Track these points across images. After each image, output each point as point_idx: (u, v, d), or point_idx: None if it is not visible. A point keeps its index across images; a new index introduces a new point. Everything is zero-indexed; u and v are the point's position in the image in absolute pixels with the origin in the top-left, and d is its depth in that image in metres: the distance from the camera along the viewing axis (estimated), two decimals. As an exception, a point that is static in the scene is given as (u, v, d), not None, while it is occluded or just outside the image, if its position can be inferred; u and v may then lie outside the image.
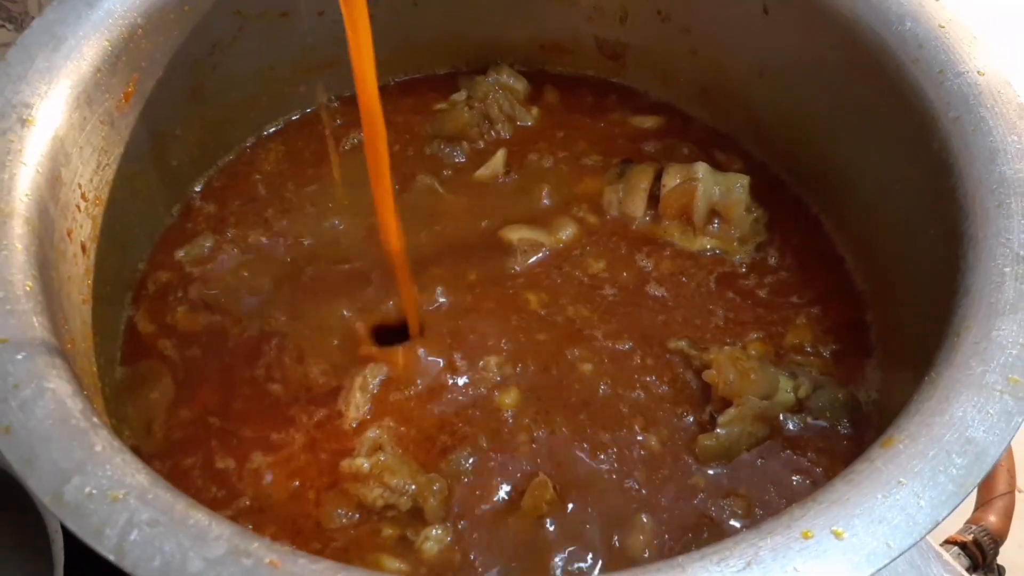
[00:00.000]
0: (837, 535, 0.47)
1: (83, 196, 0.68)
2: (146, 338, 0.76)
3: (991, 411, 0.52)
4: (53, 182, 0.63)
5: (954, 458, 0.50)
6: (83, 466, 0.48)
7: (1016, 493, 0.97)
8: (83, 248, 0.68)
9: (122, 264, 0.77)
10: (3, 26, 1.00)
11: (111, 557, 0.45)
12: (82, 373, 0.61)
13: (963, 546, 0.88)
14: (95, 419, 0.51)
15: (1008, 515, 0.94)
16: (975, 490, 0.95)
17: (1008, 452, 0.99)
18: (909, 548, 0.46)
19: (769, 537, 0.47)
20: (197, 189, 0.85)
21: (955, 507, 0.48)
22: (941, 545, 0.84)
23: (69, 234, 0.66)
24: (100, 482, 0.47)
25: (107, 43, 0.69)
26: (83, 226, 0.68)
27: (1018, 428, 0.51)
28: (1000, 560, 0.90)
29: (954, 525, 0.91)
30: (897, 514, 0.47)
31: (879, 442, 0.52)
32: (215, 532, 0.46)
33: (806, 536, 0.47)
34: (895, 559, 0.46)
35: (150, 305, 0.77)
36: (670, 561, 0.47)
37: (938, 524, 0.48)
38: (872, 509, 0.48)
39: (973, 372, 0.53)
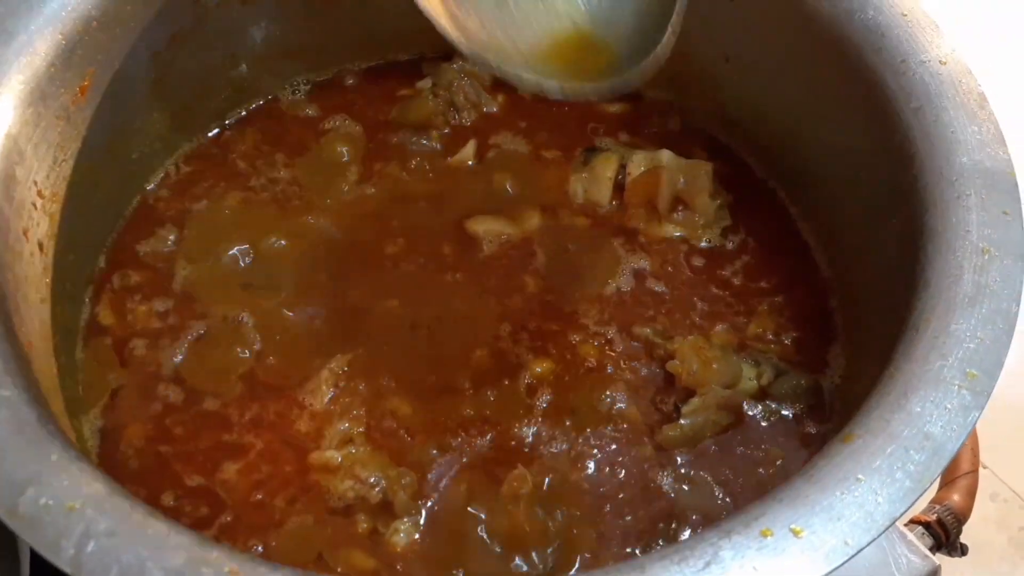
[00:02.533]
0: (796, 533, 0.47)
1: (39, 194, 0.67)
2: (107, 336, 0.75)
3: (949, 406, 0.52)
4: (7, 181, 0.62)
5: (912, 454, 0.50)
6: (38, 476, 0.47)
7: (979, 472, 0.98)
8: (40, 247, 0.67)
9: (82, 261, 0.75)
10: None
11: (68, 570, 0.45)
12: (40, 375, 0.60)
13: (927, 526, 0.89)
14: (51, 427, 0.50)
15: (971, 494, 0.95)
16: (939, 471, 0.96)
17: (972, 432, 1.01)
18: (867, 545, 0.47)
19: (729, 536, 0.47)
20: (158, 182, 0.84)
21: (913, 503, 0.49)
22: (906, 525, 0.85)
23: (25, 233, 0.65)
24: (56, 492, 0.47)
25: (61, 37, 0.68)
26: (40, 224, 0.67)
27: (975, 422, 0.52)
28: (963, 538, 0.91)
29: (918, 505, 0.92)
30: (855, 511, 0.48)
31: (839, 437, 0.52)
32: (174, 541, 0.46)
33: (765, 535, 0.47)
34: (853, 556, 0.47)
35: (111, 302, 0.76)
36: (631, 562, 0.47)
37: (896, 520, 0.48)
38: (831, 507, 0.48)
39: (931, 367, 0.54)
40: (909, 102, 0.67)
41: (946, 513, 0.91)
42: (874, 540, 0.47)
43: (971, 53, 0.69)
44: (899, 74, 0.68)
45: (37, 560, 0.74)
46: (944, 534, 0.89)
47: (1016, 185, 0.61)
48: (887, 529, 0.48)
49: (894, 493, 0.49)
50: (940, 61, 0.68)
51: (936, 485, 0.96)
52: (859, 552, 0.47)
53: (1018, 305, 0.56)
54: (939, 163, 0.63)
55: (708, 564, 0.46)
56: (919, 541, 0.83)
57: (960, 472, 0.98)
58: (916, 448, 0.50)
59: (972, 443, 1.00)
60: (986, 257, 0.58)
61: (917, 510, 0.91)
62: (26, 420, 0.50)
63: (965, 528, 0.92)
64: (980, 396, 0.52)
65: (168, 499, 0.67)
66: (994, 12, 1.95)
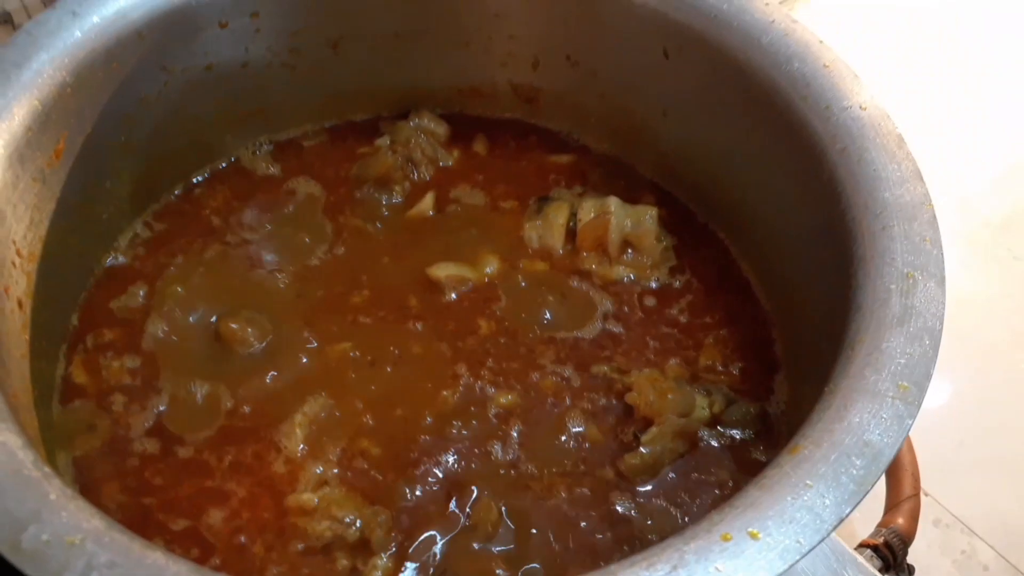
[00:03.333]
0: (753, 536, 0.51)
1: (18, 252, 0.69)
2: (81, 392, 0.76)
3: (885, 416, 0.57)
4: (-11, 242, 0.65)
5: (854, 460, 0.55)
6: (38, 514, 0.49)
7: (921, 496, 1.03)
8: (19, 304, 0.69)
9: (56, 318, 0.77)
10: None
11: (72, 601, 0.47)
12: (24, 426, 0.62)
13: (875, 549, 0.93)
14: (46, 469, 0.52)
15: (915, 516, 1.00)
16: (884, 494, 1.01)
17: (912, 457, 1.06)
18: (818, 544, 0.51)
19: (692, 541, 0.51)
20: (127, 241, 0.86)
21: (857, 504, 0.53)
22: (855, 549, 0.89)
23: (6, 291, 0.67)
24: (56, 529, 0.49)
25: (37, 102, 0.71)
26: (19, 282, 0.69)
27: (909, 429, 0.57)
28: (909, 559, 0.96)
29: (866, 529, 0.97)
30: (805, 514, 0.52)
31: (787, 449, 0.56)
32: (172, 571, 0.48)
33: (725, 539, 0.51)
34: (806, 555, 0.50)
35: (85, 358, 0.78)
36: (603, 570, 0.50)
37: (842, 521, 0.52)
38: (783, 511, 0.52)
39: (867, 381, 0.58)
40: (835, 144, 0.73)
41: (892, 536, 0.95)
42: (824, 539, 0.51)
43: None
44: (824, 119, 0.74)
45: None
46: (892, 556, 0.93)
47: (934, 216, 0.67)
48: (835, 529, 0.52)
49: (840, 496, 0.53)
50: (861, 107, 0.74)
51: (882, 509, 1.01)
52: (811, 550, 0.51)
53: (941, 323, 0.61)
54: (864, 198, 0.69)
55: (675, 568, 0.50)
56: (868, 563, 0.87)
57: (903, 496, 1.03)
58: (857, 454, 0.55)
59: (913, 469, 1.05)
60: (911, 281, 0.63)
61: (864, 534, 0.96)
62: (22, 462, 0.52)
63: (911, 553, 0.96)
64: (912, 406, 0.57)
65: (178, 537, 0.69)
66: (995, 13, 2.03)
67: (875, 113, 0.73)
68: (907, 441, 1.03)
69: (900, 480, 1.04)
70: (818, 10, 2.14)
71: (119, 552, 0.49)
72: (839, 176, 0.71)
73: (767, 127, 0.80)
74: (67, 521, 0.49)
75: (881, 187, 0.69)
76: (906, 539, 0.97)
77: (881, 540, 0.95)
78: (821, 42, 0.78)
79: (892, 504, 1.02)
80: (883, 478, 1.02)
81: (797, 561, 0.50)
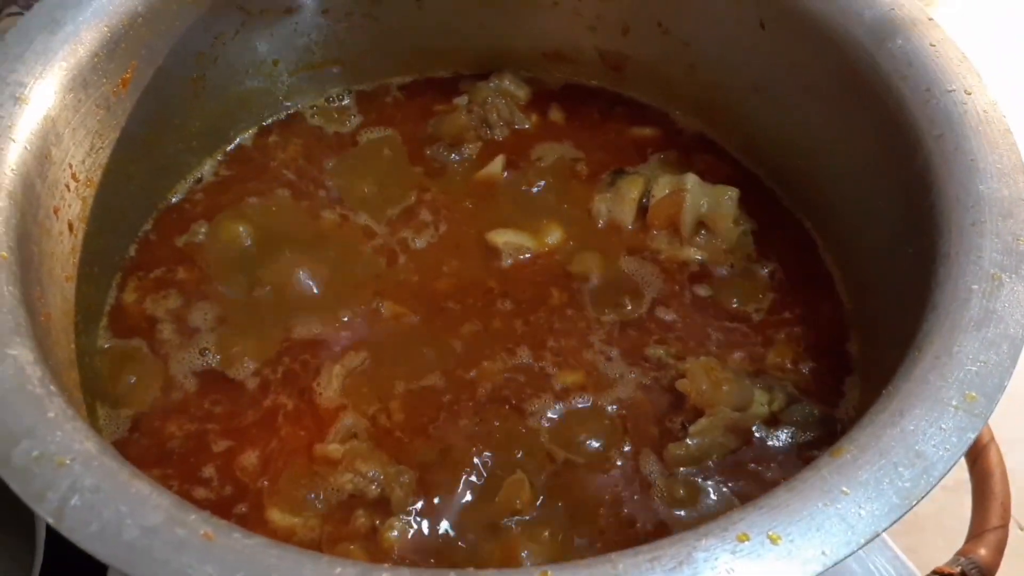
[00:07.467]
0: (773, 540, 0.46)
1: (73, 176, 0.69)
2: (131, 321, 0.77)
3: (944, 426, 0.51)
4: (42, 160, 0.65)
5: (901, 470, 0.49)
6: (33, 430, 0.49)
7: (1012, 528, 0.95)
8: (70, 227, 0.69)
9: (112, 247, 0.78)
10: (20, 13, 1.03)
11: (50, 520, 0.46)
12: (55, 346, 0.62)
13: (949, 578, 0.86)
14: (52, 387, 0.52)
15: (1000, 549, 0.92)
16: (969, 521, 0.94)
17: (1004, 487, 0.97)
18: (846, 558, 0.46)
19: (704, 538, 0.47)
20: (193, 180, 0.86)
21: (897, 519, 0.48)
22: (928, 576, 0.83)
23: (56, 212, 0.67)
24: (48, 447, 0.48)
25: (106, 29, 0.71)
26: (71, 205, 0.69)
27: (970, 444, 0.51)
28: (989, 596, 0.88)
29: (944, 556, 0.89)
30: (836, 523, 0.47)
31: (828, 451, 0.51)
32: (154, 501, 0.47)
33: (742, 539, 0.46)
34: (830, 568, 0.46)
35: (138, 289, 0.78)
36: (602, 557, 0.46)
37: (877, 535, 0.47)
38: (811, 516, 0.47)
39: (930, 386, 0.53)
40: (932, 130, 0.66)
41: (971, 567, 0.87)
42: (853, 553, 0.46)
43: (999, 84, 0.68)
44: (923, 102, 0.68)
45: (50, 552, 0.76)
46: (968, 588, 0.86)
47: (1032, 214, 0.60)
48: (868, 543, 0.47)
49: (879, 508, 0.48)
50: (966, 91, 0.67)
51: (963, 537, 0.93)
52: (836, 564, 0.46)
53: (1025, 331, 0.55)
54: (956, 190, 0.62)
55: (680, 564, 0.46)
56: (939, 593, 0.81)
57: (989, 526, 0.94)
58: (906, 465, 0.49)
59: (1003, 497, 0.96)
60: (996, 283, 0.57)
61: (941, 561, 0.88)
62: (28, 378, 0.52)
63: (997, 591, 0.88)
64: (977, 419, 0.51)
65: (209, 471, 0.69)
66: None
67: (981, 99, 0.67)
68: (1001, 468, 0.95)
69: (987, 508, 0.96)
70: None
71: (105, 477, 0.48)
72: (932, 164, 0.65)
73: (862, 107, 0.74)
74: (60, 440, 0.49)
75: (976, 179, 0.62)
76: (986, 573, 0.89)
77: (958, 570, 0.87)
78: (930, 19, 0.72)
79: (976, 532, 0.94)
80: (970, 502, 0.94)
81: (819, 574, 0.45)
